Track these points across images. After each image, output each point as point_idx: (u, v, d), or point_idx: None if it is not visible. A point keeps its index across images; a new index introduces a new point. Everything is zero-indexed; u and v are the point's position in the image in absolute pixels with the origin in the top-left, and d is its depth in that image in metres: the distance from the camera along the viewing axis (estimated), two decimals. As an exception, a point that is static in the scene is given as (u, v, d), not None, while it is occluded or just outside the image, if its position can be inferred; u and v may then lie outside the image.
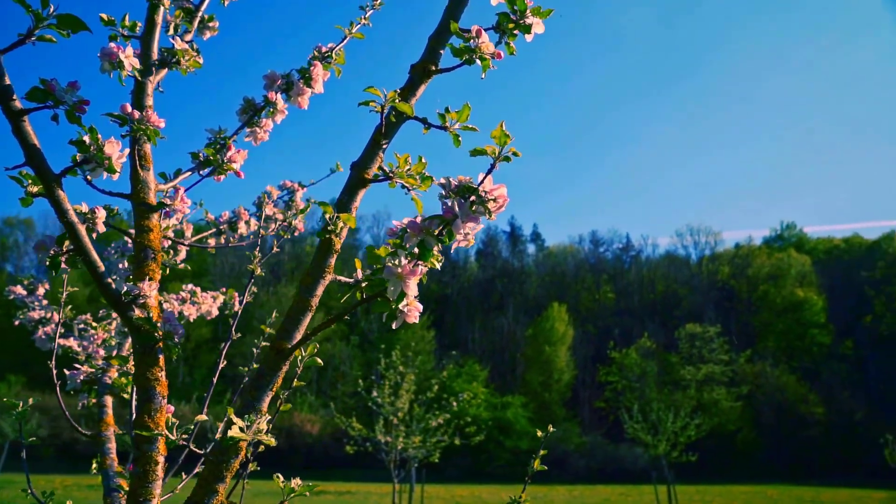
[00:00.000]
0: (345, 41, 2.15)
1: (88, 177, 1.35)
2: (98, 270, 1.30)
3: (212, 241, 2.05)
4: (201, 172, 1.87)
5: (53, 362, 1.89)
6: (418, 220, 1.23)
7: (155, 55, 1.69)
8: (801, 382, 42.42)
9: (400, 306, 1.23)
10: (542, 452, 2.07)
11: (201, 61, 1.74)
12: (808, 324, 47.79)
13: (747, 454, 39.09)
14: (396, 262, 1.18)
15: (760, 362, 44.24)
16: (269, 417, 1.21)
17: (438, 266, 1.24)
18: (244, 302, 1.87)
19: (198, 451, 1.18)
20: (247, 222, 2.33)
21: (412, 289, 1.19)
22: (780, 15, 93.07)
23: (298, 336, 1.31)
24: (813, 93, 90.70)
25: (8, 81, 1.10)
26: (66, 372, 1.99)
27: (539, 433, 2.15)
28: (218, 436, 1.23)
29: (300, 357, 1.46)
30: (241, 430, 1.13)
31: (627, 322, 51.72)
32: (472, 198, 1.23)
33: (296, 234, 2.46)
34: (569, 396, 45.52)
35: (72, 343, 2.36)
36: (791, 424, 39.75)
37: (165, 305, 2.66)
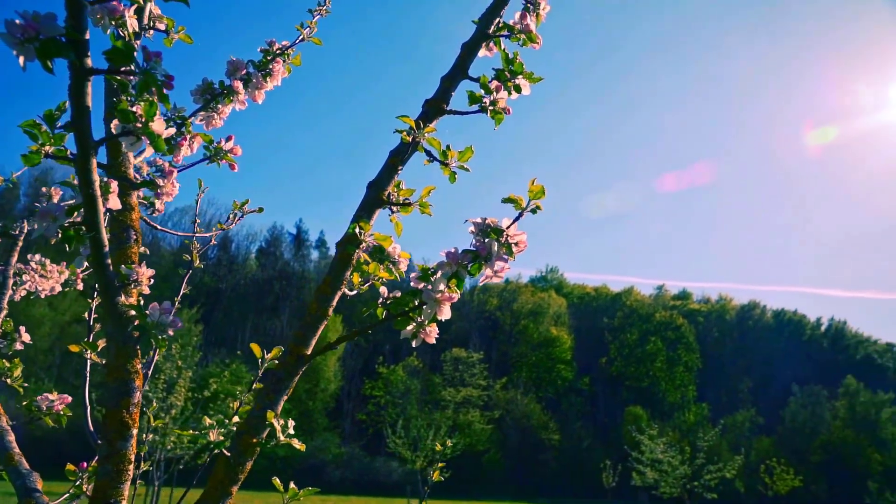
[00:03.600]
0: (298, 41, 2.15)
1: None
2: (103, 250, 1.20)
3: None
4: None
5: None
6: (454, 250, 1.33)
7: (146, 18, 1.57)
8: (544, 411, 47.06)
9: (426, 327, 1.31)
10: (440, 465, 2.22)
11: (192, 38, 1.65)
12: (557, 359, 53.26)
13: (492, 473, 42.16)
14: (438, 287, 1.26)
15: (513, 390, 48.26)
16: (284, 421, 1.21)
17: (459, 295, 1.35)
18: (182, 291, 1.77)
19: (226, 452, 1.14)
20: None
21: (447, 313, 1.28)
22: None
23: (314, 342, 1.32)
24: (577, 151, 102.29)
25: (87, 36, 1.01)
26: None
27: (443, 445, 2.29)
28: (244, 438, 1.20)
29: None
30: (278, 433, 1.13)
31: (398, 339, 52.77)
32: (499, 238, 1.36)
33: (155, 213, 2.35)
34: (332, 406, 45.51)
35: None
36: (531, 447, 43.82)
37: (25, 277, 2.36)
